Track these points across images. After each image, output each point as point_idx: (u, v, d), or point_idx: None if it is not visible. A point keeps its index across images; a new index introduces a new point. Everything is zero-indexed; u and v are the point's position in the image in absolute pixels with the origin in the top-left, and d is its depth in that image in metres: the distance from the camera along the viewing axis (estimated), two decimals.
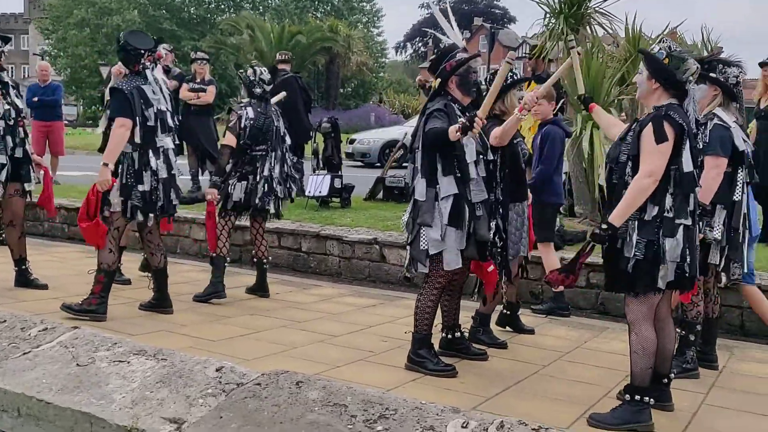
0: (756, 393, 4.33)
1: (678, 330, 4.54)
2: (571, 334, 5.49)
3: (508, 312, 5.46)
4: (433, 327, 4.47)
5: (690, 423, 3.80)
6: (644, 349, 3.64)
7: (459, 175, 4.28)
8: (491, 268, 4.56)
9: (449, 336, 4.74)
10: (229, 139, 6.01)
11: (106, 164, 5.12)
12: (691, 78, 3.62)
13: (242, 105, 6.19)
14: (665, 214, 3.57)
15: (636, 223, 3.57)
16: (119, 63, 5.77)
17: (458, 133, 4.06)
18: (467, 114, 4.40)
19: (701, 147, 4.23)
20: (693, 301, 4.50)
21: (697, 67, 3.66)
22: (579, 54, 4.66)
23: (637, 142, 3.58)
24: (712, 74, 4.41)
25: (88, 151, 19.63)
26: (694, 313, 4.54)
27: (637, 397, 3.64)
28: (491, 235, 4.55)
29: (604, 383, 4.34)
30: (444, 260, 4.27)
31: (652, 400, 3.67)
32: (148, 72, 5.34)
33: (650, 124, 3.56)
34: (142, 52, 5.32)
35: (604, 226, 3.59)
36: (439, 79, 4.44)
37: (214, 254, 6.08)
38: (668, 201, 3.57)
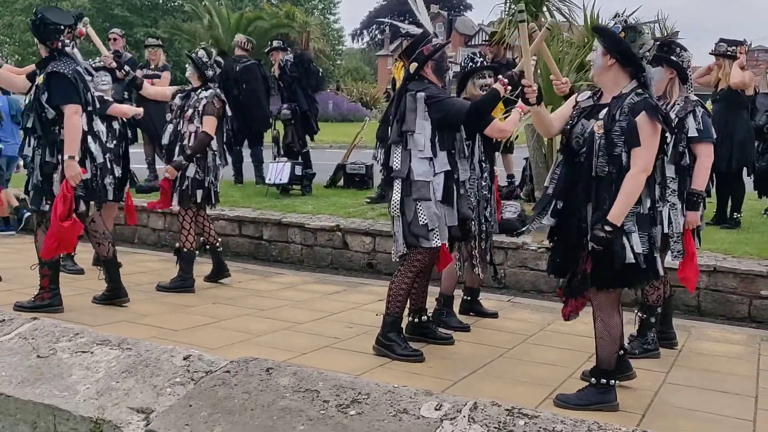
0: (714, 371, 4.44)
1: (639, 314, 4.64)
2: (534, 318, 5.55)
3: (469, 298, 5.49)
4: (404, 311, 4.47)
5: (652, 401, 3.89)
6: (611, 335, 3.68)
7: (453, 151, 4.35)
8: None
9: (416, 320, 4.75)
10: (213, 126, 5.84)
11: (72, 157, 4.80)
12: (647, 54, 3.55)
13: (217, 91, 5.97)
14: (658, 205, 3.60)
15: (635, 218, 3.50)
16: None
17: (507, 88, 4.26)
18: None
19: (695, 134, 4.30)
20: (654, 286, 4.58)
21: (655, 43, 3.62)
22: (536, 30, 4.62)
23: (635, 136, 3.41)
24: (672, 57, 4.47)
25: None
26: (655, 297, 4.62)
27: (603, 380, 3.71)
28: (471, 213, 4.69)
29: (568, 364, 4.41)
30: (434, 236, 4.31)
31: (617, 382, 3.74)
32: (68, 50, 5.00)
33: (645, 115, 3.40)
34: (62, 27, 4.98)
35: (607, 228, 3.42)
36: (415, 63, 4.44)
37: (185, 249, 5.97)
38: (659, 191, 3.60)
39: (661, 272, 3.63)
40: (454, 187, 4.34)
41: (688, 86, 4.60)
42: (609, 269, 3.51)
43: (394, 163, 4.34)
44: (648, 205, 3.54)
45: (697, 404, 3.88)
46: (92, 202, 5.14)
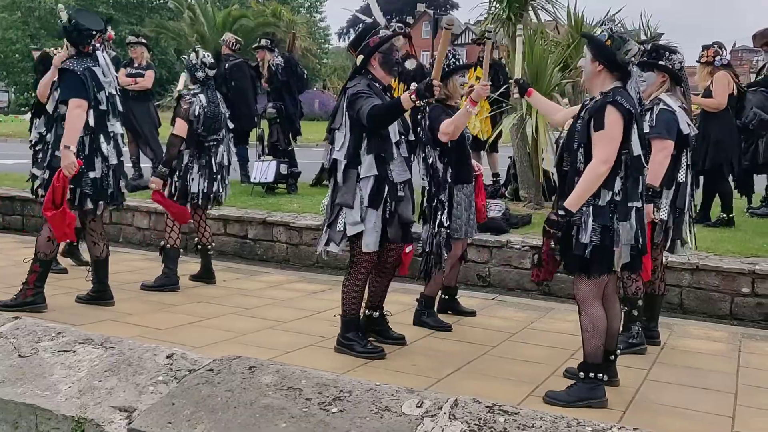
0: (695, 368, 4.49)
1: (622, 306, 4.66)
2: (518, 315, 5.58)
3: (446, 297, 5.47)
4: (360, 309, 4.46)
5: (634, 398, 3.92)
6: (595, 328, 3.72)
7: (382, 155, 4.25)
8: (409, 249, 4.52)
9: (370, 314, 4.65)
10: (181, 129, 5.84)
11: (67, 147, 4.84)
12: (633, 59, 3.69)
13: (194, 92, 5.98)
14: (618, 198, 3.63)
15: (591, 209, 3.62)
16: (59, 49, 5.51)
17: (414, 100, 4.04)
18: (389, 93, 4.43)
19: (647, 131, 4.34)
20: (632, 278, 4.61)
21: (639, 49, 3.73)
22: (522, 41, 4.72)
23: (587, 130, 3.63)
24: (660, 62, 4.53)
25: (22, 138, 18.97)
26: (634, 288, 4.65)
27: (591, 375, 3.73)
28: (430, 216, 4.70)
29: (551, 362, 4.43)
30: (363, 242, 4.25)
31: (605, 376, 3.76)
32: (99, 54, 5.13)
33: (598, 111, 3.61)
34: (94, 33, 5.12)
35: (561, 212, 3.62)
36: (361, 56, 4.36)
37: (168, 246, 5.96)
38: (620, 185, 3.63)
39: (615, 266, 3.69)
40: (386, 190, 4.23)
41: (686, 87, 4.66)
42: (567, 255, 3.71)
43: (325, 159, 4.37)
44: (607, 198, 3.62)
45: (678, 401, 3.91)
46: (101, 202, 5.14)
